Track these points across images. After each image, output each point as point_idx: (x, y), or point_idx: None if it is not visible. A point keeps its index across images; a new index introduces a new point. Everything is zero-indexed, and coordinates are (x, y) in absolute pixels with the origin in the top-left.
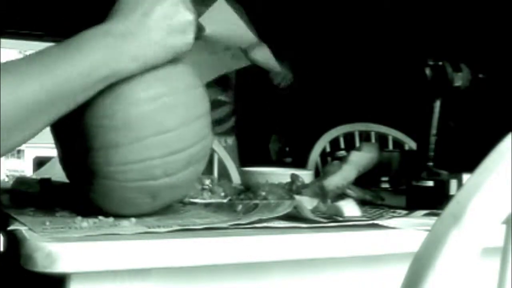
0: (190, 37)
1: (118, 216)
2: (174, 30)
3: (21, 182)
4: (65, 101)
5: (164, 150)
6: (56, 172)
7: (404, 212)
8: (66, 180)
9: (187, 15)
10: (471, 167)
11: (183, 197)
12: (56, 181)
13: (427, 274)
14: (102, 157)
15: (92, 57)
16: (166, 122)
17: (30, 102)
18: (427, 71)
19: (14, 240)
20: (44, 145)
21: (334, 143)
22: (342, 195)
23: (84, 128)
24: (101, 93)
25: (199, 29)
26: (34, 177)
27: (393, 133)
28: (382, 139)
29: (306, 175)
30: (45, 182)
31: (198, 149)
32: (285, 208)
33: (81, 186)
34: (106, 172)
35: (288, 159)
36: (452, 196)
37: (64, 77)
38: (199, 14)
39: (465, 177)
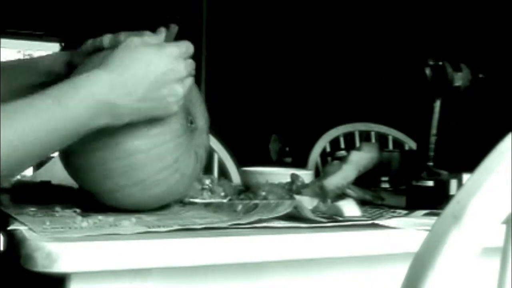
0: (174, 108)
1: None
2: (160, 103)
3: (21, 184)
4: (40, 151)
5: None
6: (56, 172)
7: (404, 212)
8: (66, 181)
9: (178, 90)
10: (471, 167)
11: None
12: (56, 184)
13: (427, 274)
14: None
15: (73, 112)
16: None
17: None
18: (427, 71)
19: (14, 240)
20: None
21: (334, 143)
22: (342, 195)
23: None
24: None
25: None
26: (34, 178)
27: (393, 133)
28: (382, 139)
29: (306, 175)
30: (45, 185)
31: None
32: (285, 208)
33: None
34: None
35: (288, 159)
36: (452, 196)
37: (41, 128)
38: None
39: (465, 177)
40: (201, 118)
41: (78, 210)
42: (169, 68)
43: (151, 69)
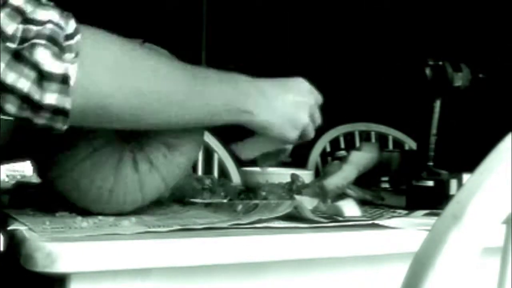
0: (294, 135)
1: (117, 215)
2: (287, 121)
3: (21, 185)
4: (198, 114)
5: None
6: None
7: (404, 212)
8: None
9: (304, 118)
10: (471, 167)
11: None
12: None
13: (427, 274)
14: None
15: (233, 91)
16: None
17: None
18: (427, 71)
19: (14, 240)
20: None
21: (334, 143)
22: (342, 195)
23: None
24: None
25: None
26: (33, 179)
27: (393, 133)
28: (382, 139)
29: (306, 175)
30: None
31: None
32: (285, 208)
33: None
34: None
35: (288, 159)
36: (452, 196)
37: (208, 97)
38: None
39: (465, 177)
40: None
41: (78, 210)
42: (306, 98)
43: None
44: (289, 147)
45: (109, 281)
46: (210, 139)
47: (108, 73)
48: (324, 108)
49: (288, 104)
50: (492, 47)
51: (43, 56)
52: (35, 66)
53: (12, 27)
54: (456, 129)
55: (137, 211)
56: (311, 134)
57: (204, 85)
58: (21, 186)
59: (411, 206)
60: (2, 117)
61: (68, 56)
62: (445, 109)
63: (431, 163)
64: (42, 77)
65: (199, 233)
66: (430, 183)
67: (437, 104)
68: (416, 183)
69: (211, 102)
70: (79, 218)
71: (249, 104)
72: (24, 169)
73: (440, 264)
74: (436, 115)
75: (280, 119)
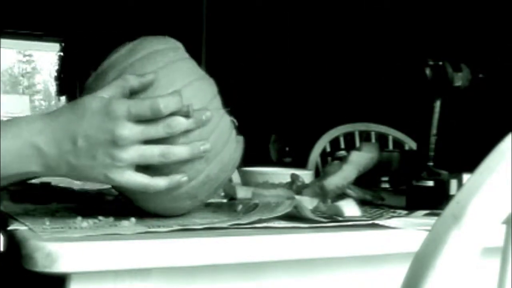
0: (118, 177)
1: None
2: (97, 165)
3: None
4: None
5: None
6: None
7: (404, 212)
8: (67, 182)
9: (118, 155)
10: (471, 167)
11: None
12: (56, 185)
13: (427, 274)
14: None
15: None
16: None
17: None
18: (427, 71)
19: (14, 240)
20: None
21: (334, 143)
22: (342, 195)
23: None
24: None
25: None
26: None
27: (393, 133)
28: (382, 139)
29: (306, 175)
30: (45, 187)
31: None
32: (285, 208)
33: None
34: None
35: (288, 159)
36: (452, 196)
37: None
38: None
39: (465, 177)
40: None
41: (78, 210)
42: (105, 128)
43: (84, 124)
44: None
45: (109, 281)
46: None
47: None
48: (324, 108)
49: (90, 140)
50: (492, 47)
51: None
52: None
53: None
54: (456, 129)
55: (138, 211)
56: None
57: None
58: (21, 186)
59: (411, 206)
60: None
61: None
62: (445, 109)
63: (431, 163)
64: None
65: (199, 233)
66: (430, 183)
67: (437, 104)
68: (416, 183)
69: None
70: (79, 218)
71: (27, 168)
72: None
73: (440, 264)
74: (436, 115)
75: (90, 160)
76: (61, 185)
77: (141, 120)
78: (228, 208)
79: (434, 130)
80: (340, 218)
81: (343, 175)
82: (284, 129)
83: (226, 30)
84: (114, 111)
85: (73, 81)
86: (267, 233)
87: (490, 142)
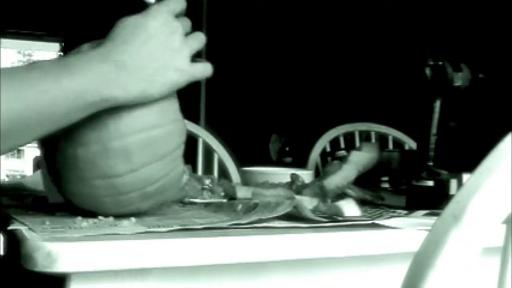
0: (187, 70)
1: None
2: (170, 66)
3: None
4: (48, 121)
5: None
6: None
7: (404, 212)
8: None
9: (182, 53)
10: (471, 167)
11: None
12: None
13: (427, 274)
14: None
15: (83, 81)
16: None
17: (12, 116)
18: (427, 71)
19: (14, 240)
20: None
21: (334, 143)
22: (342, 195)
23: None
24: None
25: None
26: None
27: (393, 133)
28: (382, 139)
29: (306, 175)
30: (39, 201)
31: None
32: (285, 208)
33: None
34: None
35: (288, 159)
36: (452, 196)
37: (49, 97)
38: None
39: (465, 177)
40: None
41: (78, 210)
42: (161, 24)
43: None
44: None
45: (109, 281)
46: (210, 139)
47: None
48: (324, 108)
49: (156, 54)
50: (492, 47)
51: None
52: None
53: None
54: (456, 129)
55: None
56: (203, 64)
57: (42, 92)
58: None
59: (411, 206)
60: None
61: None
62: (445, 109)
63: (431, 163)
64: None
65: (199, 233)
66: (430, 183)
67: (437, 104)
68: (416, 183)
69: (57, 105)
70: (79, 218)
71: (108, 89)
72: (24, 169)
73: (440, 264)
74: (436, 115)
75: (156, 77)
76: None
77: None
78: (228, 208)
79: (434, 130)
80: (340, 218)
81: (343, 175)
82: (284, 129)
83: (226, 30)
84: (159, 10)
85: None
86: (267, 233)
87: (490, 142)
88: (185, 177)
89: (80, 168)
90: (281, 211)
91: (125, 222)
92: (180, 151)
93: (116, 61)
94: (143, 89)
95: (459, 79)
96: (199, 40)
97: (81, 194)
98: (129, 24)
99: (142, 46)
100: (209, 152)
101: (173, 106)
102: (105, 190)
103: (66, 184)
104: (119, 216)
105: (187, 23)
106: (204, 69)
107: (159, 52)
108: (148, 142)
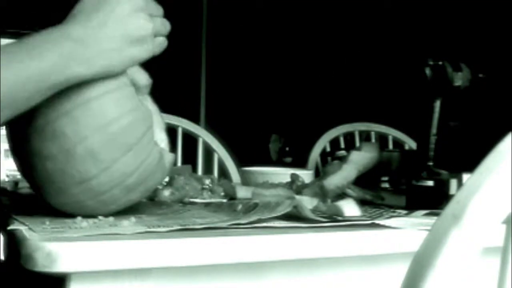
0: (149, 47)
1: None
2: (132, 39)
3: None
4: (16, 103)
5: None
6: None
7: (404, 212)
8: None
9: (146, 25)
10: (471, 167)
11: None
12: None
13: (427, 274)
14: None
15: (46, 62)
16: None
17: None
18: (427, 71)
19: (14, 240)
20: None
21: (334, 143)
22: (342, 195)
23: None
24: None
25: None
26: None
27: (393, 133)
28: (382, 139)
29: (306, 175)
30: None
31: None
32: (285, 207)
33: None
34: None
35: (288, 159)
36: (452, 196)
37: (14, 80)
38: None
39: (465, 177)
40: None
41: None
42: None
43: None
44: None
45: (109, 281)
46: (210, 139)
47: None
48: (324, 108)
49: (118, 29)
50: (492, 47)
51: None
52: None
53: None
54: (456, 129)
55: (137, 212)
56: (162, 40)
57: (7, 77)
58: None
59: (411, 206)
60: None
61: None
62: (445, 109)
63: (431, 163)
64: None
65: (199, 233)
66: (430, 183)
67: (437, 104)
68: (416, 183)
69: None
70: (79, 218)
71: (71, 68)
72: None
73: (440, 264)
74: (436, 115)
75: (118, 52)
76: None
77: None
78: (228, 208)
79: (434, 130)
80: (340, 218)
81: (343, 175)
82: (284, 129)
83: (226, 30)
84: None
85: None
86: (267, 233)
87: (490, 142)
88: (163, 145)
89: (54, 181)
90: (281, 211)
91: (125, 222)
92: (149, 135)
93: (77, 38)
94: (105, 64)
95: (459, 79)
96: (165, 24)
97: (65, 203)
98: None
99: (103, 21)
100: (209, 152)
101: (128, 95)
102: (84, 195)
103: (49, 198)
104: (119, 215)
105: (156, 6)
106: (163, 42)
107: (121, 27)
108: (111, 137)
